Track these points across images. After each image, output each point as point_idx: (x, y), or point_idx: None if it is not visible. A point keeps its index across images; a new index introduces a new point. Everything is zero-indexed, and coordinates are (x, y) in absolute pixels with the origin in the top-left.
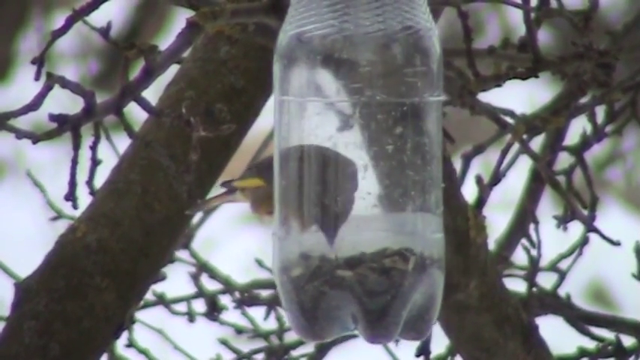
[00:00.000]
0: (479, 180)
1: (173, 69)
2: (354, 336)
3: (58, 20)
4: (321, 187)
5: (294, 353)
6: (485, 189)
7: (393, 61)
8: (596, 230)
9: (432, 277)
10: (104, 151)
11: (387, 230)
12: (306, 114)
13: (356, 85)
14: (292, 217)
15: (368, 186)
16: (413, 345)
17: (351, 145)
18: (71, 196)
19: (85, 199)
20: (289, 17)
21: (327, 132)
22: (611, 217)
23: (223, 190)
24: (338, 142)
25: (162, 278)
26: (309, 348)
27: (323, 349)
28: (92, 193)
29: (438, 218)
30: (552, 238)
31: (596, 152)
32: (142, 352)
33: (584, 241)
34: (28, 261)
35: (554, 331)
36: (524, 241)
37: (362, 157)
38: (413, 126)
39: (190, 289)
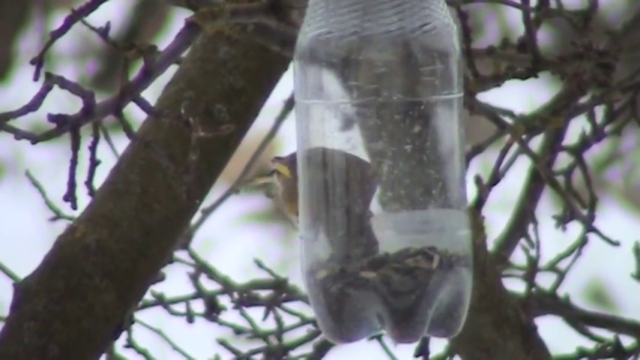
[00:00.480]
0: (478, 180)
1: (172, 69)
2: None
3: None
4: (344, 190)
5: (293, 354)
6: (484, 189)
7: (414, 60)
8: (595, 230)
9: (459, 274)
10: (103, 151)
11: (409, 230)
12: (326, 116)
13: (375, 85)
14: (317, 221)
15: (388, 186)
16: (411, 345)
17: (370, 146)
18: (70, 197)
19: (84, 199)
20: (308, 19)
21: (346, 133)
22: (611, 218)
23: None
24: (357, 143)
25: (162, 279)
26: (307, 348)
27: (322, 350)
28: (91, 193)
29: (462, 215)
30: (551, 238)
31: (595, 152)
32: (141, 352)
33: (583, 242)
34: (27, 261)
35: (553, 332)
36: (523, 241)
37: (381, 157)
38: (435, 124)
39: (189, 289)
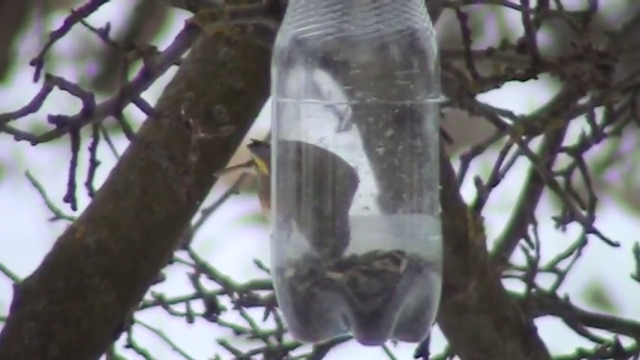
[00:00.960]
0: (478, 181)
1: (172, 70)
2: (351, 337)
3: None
4: (317, 189)
5: (293, 354)
6: (484, 190)
7: (390, 63)
8: (595, 231)
9: (427, 279)
10: (103, 152)
11: (379, 232)
12: (303, 116)
13: (352, 86)
14: (288, 219)
15: (361, 188)
16: (412, 346)
17: (347, 148)
18: (70, 198)
19: (84, 200)
20: (287, 18)
21: (323, 134)
22: (610, 218)
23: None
24: (333, 144)
25: (162, 279)
26: (307, 349)
27: (322, 350)
28: (91, 194)
29: (434, 220)
30: (551, 239)
31: (595, 153)
32: (141, 352)
33: (583, 242)
34: (27, 262)
35: (553, 332)
36: (522, 242)
37: (356, 160)
38: (408, 128)
39: (189, 289)
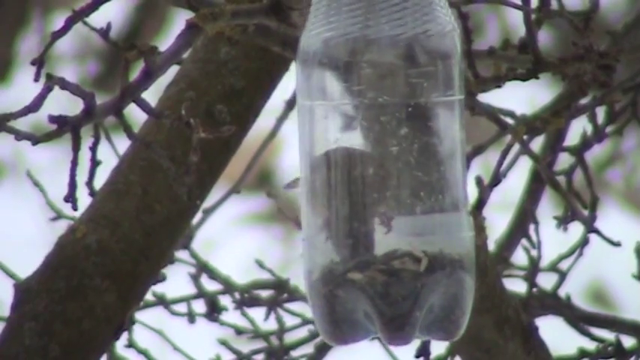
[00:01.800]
0: (479, 181)
1: (173, 70)
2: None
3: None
4: (341, 191)
5: (294, 354)
6: (485, 190)
7: (414, 62)
8: (596, 231)
9: (453, 277)
10: (104, 151)
11: (400, 231)
12: (329, 117)
13: (376, 86)
14: (316, 222)
15: (388, 188)
16: (412, 345)
17: (372, 148)
18: (71, 198)
19: (84, 200)
20: (311, 18)
21: (348, 135)
22: (612, 218)
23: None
24: (359, 145)
25: (163, 279)
26: (309, 348)
27: (323, 350)
28: (92, 194)
29: (459, 217)
30: (552, 238)
31: (596, 153)
32: (142, 352)
33: (584, 242)
34: (27, 262)
35: (554, 332)
36: (524, 241)
37: (383, 159)
38: (425, 126)
39: (190, 289)
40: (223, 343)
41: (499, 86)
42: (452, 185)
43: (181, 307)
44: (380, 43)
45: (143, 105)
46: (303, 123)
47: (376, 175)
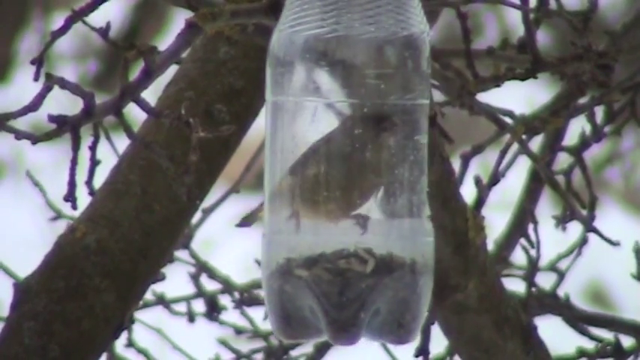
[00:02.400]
0: (478, 180)
1: (172, 69)
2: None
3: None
4: (296, 187)
5: (293, 353)
6: (484, 189)
7: (384, 63)
8: (595, 230)
9: (402, 280)
10: (103, 151)
11: (349, 231)
12: (297, 114)
13: (345, 85)
14: (273, 218)
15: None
16: (412, 345)
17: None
18: (70, 197)
19: (84, 199)
20: (283, 17)
21: (316, 132)
22: (610, 218)
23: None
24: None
25: (162, 279)
26: (308, 348)
27: (322, 350)
28: (91, 193)
29: (414, 221)
30: (551, 238)
31: (595, 153)
32: (142, 352)
33: (583, 242)
34: (27, 261)
35: (553, 332)
36: (523, 241)
37: (332, 159)
38: (384, 128)
39: (190, 289)
40: (223, 342)
41: (498, 86)
42: (408, 190)
43: (181, 307)
44: (349, 41)
45: (143, 104)
46: (270, 119)
47: (328, 174)
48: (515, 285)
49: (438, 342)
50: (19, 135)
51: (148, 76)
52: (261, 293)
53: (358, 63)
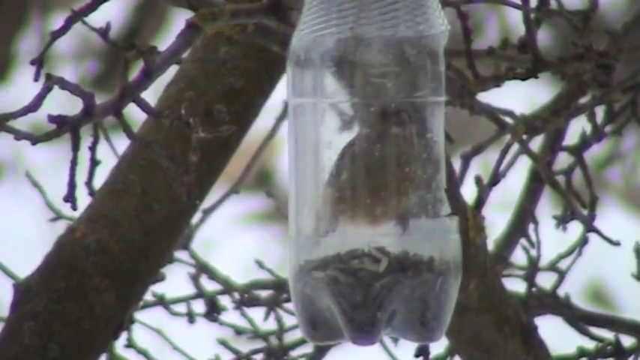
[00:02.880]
0: (478, 180)
1: (172, 69)
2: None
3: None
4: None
5: (294, 354)
6: (484, 189)
7: (405, 63)
8: (595, 230)
9: (421, 279)
10: (103, 151)
11: (363, 231)
12: (318, 116)
13: (366, 86)
14: (297, 221)
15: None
16: (412, 345)
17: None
18: (70, 198)
19: (84, 199)
20: (302, 20)
21: (337, 134)
22: (611, 218)
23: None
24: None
25: (162, 279)
26: (308, 348)
27: (322, 350)
28: (91, 193)
29: (435, 220)
30: (552, 238)
31: (595, 152)
32: (142, 352)
33: (583, 241)
34: (27, 262)
35: (553, 332)
36: (523, 241)
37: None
38: (423, 126)
39: (190, 289)
40: (223, 343)
41: (498, 86)
42: (421, 187)
43: (181, 307)
44: (371, 41)
45: (142, 105)
46: (293, 122)
47: (340, 175)
48: (515, 285)
49: (438, 342)
50: (19, 135)
51: (147, 77)
52: (262, 294)
53: (378, 63)
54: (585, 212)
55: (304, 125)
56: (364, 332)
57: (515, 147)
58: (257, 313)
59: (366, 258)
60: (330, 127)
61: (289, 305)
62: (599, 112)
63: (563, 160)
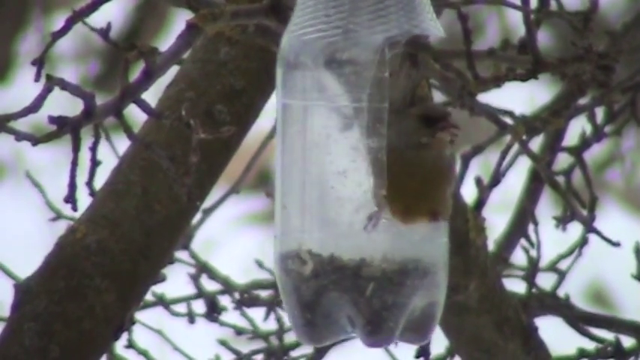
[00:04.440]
0: (478, 181)
1: (173, 70)
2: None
3: (58, 21)
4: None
5: (294, 354)
6: (484, 190)
7: (389, 65)
8: (595, 231)
9: (347, 283)
10: (104, 151)
11: (295, 230)
12: (308, 116)
13: (353, 87)
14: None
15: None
16: (412, 346)
17: (350, 147)
18: (71, 199)
19: (84, 200)
20: (293, 20)
21: (327, 134)
22: (611, 218)
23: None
24: (337, 144)
25: (163, 279)
26: (308, 349)
27: (322, 350)
28: (92, 194)
29: (356, 221)
30: (551, 238)
31: (595, 153)
32: (142, 352)
33: (583, 242)
34: (27, 262)
35: (553, 332)
36: (523, 241)
37: (358, 160)
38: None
39: (190, 289)
40: (223, 343)
41: (498, 86)
42: (348, 189)
43: (181, 308)
44: (361, 42)
45: (143, 106)
46: (281, 122)
47: (286, 172)
48: (515, 285)
49: (438, 342)
50: (20, 136)
51: (148, 78)
52: (262, 294)
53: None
54: (585, 213)
55: (292, 125)
56: (298, 333)
57: (515, 147)
58: (257, 313)
59: (297, 259)
60: (316, 127)
61: None
62: (599, 112)
63: (563, 160)
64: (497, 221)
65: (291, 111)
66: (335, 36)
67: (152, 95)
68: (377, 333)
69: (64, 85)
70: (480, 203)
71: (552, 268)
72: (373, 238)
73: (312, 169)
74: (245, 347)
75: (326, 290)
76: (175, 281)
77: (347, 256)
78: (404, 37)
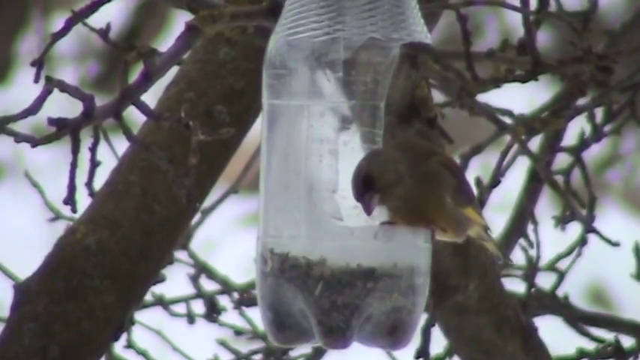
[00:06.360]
0: (478, 181)
1: (173, 70)
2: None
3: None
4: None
5: (292, 354)
6: (484, 190)
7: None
8: (595, 231)
9: (300, 282)
10: (103, 152)
11: (264, 230)
12: (295, 116)
13: (341, 88)
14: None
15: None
16: (412, 346)
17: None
18: (70, 200)
19: (84, 200)
20: (279, 22)
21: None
22: (610, 218)
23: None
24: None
25: (162, 280)
26: (307, 349)
27: (321, 350)
28: (91, 194)
29: (317, 221)
30: (551, 238)
31: (594, 154)
32: (141, 353)
33: (582, 242)
34: (27, 262)
35: (553, 332)
36: (522, 241)
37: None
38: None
39: (189, 290)
40: (222, 343)
41: (498, 87)
42: (320, 191)
43: (180, 308)
44: (347, 43)
45: (142, 107)
46: (266, 123)
47: (269, 174)
48: (515, 285)
49: (438, 342)
50: (19, 138)
51: (147, 79)
52: None
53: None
54: (584, 212)
55: (277, 126)
56: (267, 326)
57: (515, 147)
58: (256, 313)
59: (261, 257)
60: (301, 127)
61: None
62: (598, 112)
63: (562, 160)
64: (496, 221)
65: (276, 112)
66: (323, 36)
67: (152, 95)
68: (329, 333)
69: (64, 87)
70: (480, 203)
71: (552, 267)
72: (335, 239)
73: (293, 171)
74: (244, 347)
75: (282, 289)
76: (175, 281)
77: (302, 255)
78: (389, 42)
